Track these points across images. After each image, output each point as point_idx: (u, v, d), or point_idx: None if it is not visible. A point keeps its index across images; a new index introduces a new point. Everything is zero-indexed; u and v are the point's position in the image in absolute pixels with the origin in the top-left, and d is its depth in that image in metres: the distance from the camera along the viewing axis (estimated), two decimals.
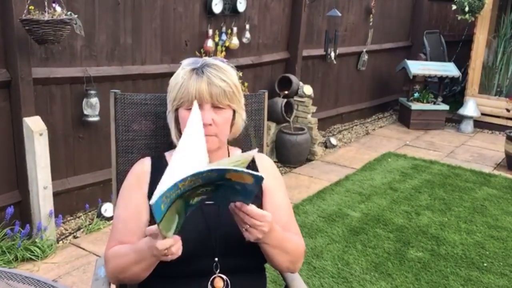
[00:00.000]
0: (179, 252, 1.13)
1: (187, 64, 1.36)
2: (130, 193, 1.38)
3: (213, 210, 1.30)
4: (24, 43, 2.77)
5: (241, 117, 1.41)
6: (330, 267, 2.84)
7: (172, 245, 1.10)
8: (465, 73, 6.44)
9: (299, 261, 1.37)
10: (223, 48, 4.04)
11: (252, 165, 1.45)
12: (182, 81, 1.32)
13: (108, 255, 1.32)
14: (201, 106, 1.31)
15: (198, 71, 1.32)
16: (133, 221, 1.33)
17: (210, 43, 3.92)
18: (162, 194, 0.98)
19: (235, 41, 4.13)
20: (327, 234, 3.23)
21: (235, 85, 1.34)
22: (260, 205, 1.35)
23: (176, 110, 1.37)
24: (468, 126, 5.96)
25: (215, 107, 1.32)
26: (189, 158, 1.13)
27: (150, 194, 1.36)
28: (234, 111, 1.38)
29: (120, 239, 1.33)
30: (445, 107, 6.02)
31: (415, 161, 4.78)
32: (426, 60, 6.73)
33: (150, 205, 0.98)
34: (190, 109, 1.32)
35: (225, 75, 1.32)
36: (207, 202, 1.16)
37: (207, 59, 1.37)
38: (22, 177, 2.94)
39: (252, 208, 1.15)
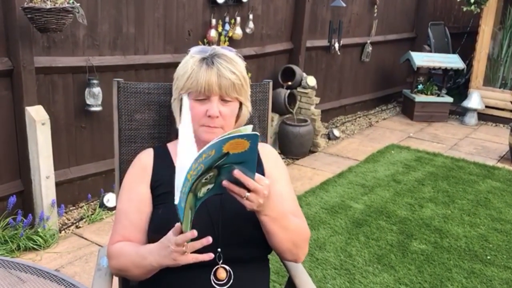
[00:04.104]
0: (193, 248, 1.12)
1: (195, 52, 1.33)
2: (132, 186, 1.37)
3: (215, 201, 1.28)
4: (26, 32, 2.75)
5: (247, 109, 1.40)
6: (333, 259, 2.83)
7: (188, 238, 1.10)
8: (469, 65, 6.39)
9: (302, 246, 1.33)
10: (226, 38, 4.02)
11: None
12: (191, 71, 1.30)
13: (112, 252, 1.31)
14: (209, 97, 1.29)
15: (208, 61, 1.30)
16: (136, 214, 1.33)
17: (213, 33, 3.89)
18: (180, 191, 1.00)
19: (238, 31, 4.10)
20: (330, 226, 3.22)
21: (243, 77, 1.33)
22: None
23: (182, 99, 1.35)
24: (472, 118, 5.94)
25: (223, 99, 1.30)
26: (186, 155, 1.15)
27: (153, 186, 1.36)
28: (240, 103, 1.36)
29: (123, 233, 1.32)
30: (449, 99, 5.99)
31: (418, 153, 4.76)
32: (430, 51, 6.69)
33: (175, 205, 1.00)
34: (198, 100, 1.30)
35: (235, 67, 1.30)
36: (214, 194, 1.16)
37: (216, 48, 1.34)
38: (24, 166, 2.93)
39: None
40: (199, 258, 1.12)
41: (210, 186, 1.13)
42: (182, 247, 1.10)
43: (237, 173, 1.11)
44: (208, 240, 1.10)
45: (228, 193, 1.16)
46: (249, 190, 1.14)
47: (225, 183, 1.13)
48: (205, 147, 1.02)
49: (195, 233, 1.08)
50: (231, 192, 1.15)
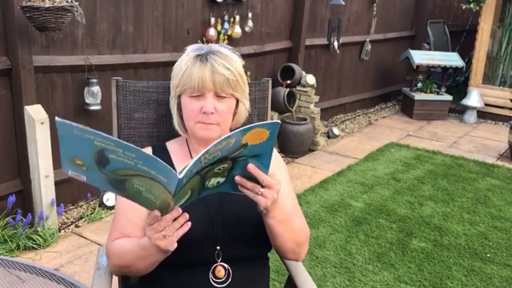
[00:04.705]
0: (180, 231, 1.09)
1: (192, 50, 1.33)
2: None
3: (215, 200, 1.28)
4: (25, 31, 2.74)
5: (245, 106, 1.38)
6: (333, 257, 2.83)
7: (176, 219, 1.07)
8: (469, 63, 6.39)
9: (304, 244, 1.33)
10: (226, 37, 4.01)
11: None
12: (186, 68, 1.30)
13: (111, 250, 1.30)
14: (203, 94, 1.29)
15: (202, 58, 1.29)
16: (135, 212, 1.32)
17: (212, 32, 3.88)
18: (189, 168, 0.97)
19: (237, 30, 4.10)
20: (330, 224, 3.22)
21: (239, 73, 1.31)
22: None
23: (179, 96, 1.35)
24: (471, 116, 5.94)
25: (218, 95, 1.30)
26: None
27: None
28: (237, 100, 1.35)
29: (122, 230, 1.31)
30: (448, 97, 5.99)
31: (418, 151, 4.76)
32: (429, 50, 6.69)
33: (179, 179, 0.96)
34: (193, 96, 1.30)
35: (229, 63, 1.29)
36: (221, 192, 1.13)
37: (212, 46, 1.34)
38: (23, 165, 2.93)
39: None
40: (180, 233, 1.09)
41: (221, 180, 1.10)
42: (160, 231, 1.08)
43: (251, 167, 1.09)
44: (186, 216, 1.08)
45: (230, 192, 1.15)
46: (262, 186, 1.12)
47: (237, 178, 1.11)
48: (226, 135, 1.00)
49: (156, 213, 1.05)
50: (243, 189, 1.12)
